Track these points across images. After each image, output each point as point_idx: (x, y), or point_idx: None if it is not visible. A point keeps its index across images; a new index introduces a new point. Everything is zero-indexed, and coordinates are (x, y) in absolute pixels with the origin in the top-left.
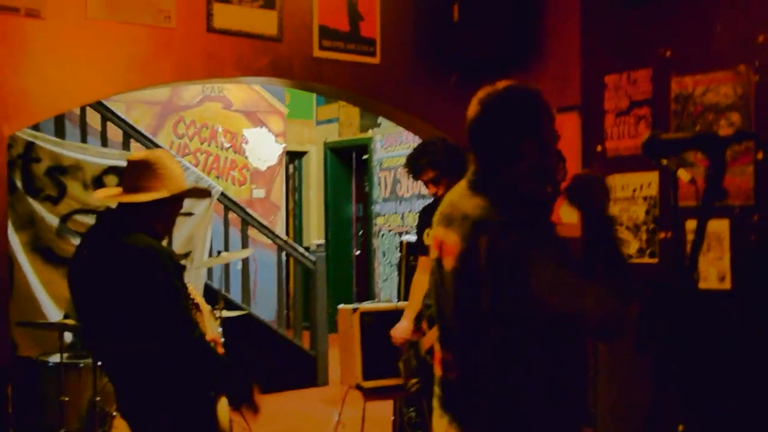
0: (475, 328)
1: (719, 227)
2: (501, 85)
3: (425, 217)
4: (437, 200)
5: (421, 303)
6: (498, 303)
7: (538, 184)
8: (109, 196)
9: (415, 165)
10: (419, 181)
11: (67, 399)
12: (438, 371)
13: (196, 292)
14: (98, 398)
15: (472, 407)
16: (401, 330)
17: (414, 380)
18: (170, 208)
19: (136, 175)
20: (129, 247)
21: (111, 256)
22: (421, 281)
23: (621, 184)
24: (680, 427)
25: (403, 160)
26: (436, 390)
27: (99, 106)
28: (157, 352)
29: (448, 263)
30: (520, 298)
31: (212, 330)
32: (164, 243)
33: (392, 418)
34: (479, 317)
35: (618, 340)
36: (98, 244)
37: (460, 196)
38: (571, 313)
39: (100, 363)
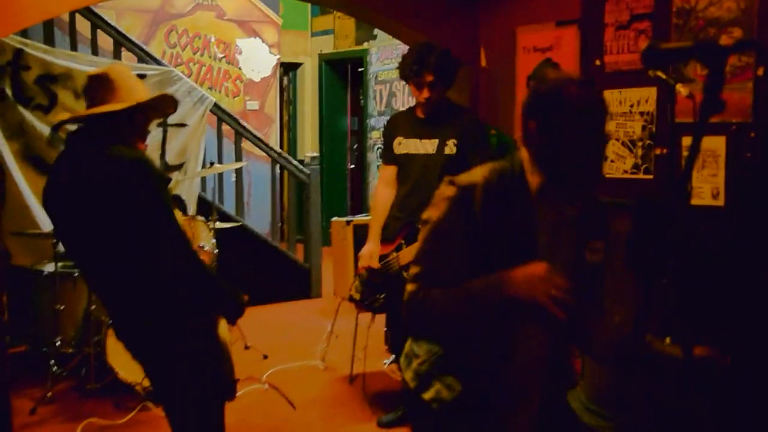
0: None
1: (715, 144)
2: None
3: (396, 125)
4: (411, 109)
5: (386, 216)
6: None
7: None
8: (75, 114)
9: (418, 64)
10: (409, 83)
11: (62, 308)
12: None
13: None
14: (93, 307)
15: None
16: (366, 257)
17: (380, 295)
18: (139, 119)
19: (95, 90)
20: (116, 159)
21: (97, 170)
22: (382, 194)
23: (618, 99)
24: (667, 340)
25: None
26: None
27: (89, 13)
28: (151, 268)
29: None
30: None
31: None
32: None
33: (385, 329)
34: None
35: None
36: (79, 160)
37: None
38: None
39: (90, 286)
